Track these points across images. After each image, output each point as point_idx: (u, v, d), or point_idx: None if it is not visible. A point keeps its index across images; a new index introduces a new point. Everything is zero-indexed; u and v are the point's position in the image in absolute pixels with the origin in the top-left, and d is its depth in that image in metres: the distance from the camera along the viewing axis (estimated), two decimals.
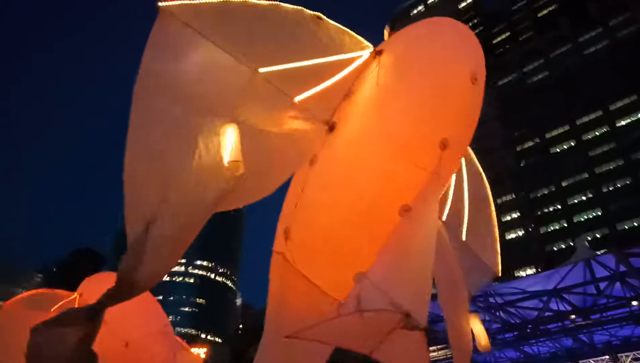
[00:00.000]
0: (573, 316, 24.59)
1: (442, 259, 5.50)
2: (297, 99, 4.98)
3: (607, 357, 25.51)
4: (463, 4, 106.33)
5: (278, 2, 4.96)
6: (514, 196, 76.03)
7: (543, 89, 78.43)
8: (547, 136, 76.88)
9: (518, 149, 79.62)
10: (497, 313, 26.74)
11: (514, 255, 67.86)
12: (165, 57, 4.73)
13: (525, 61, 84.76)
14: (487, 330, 28.84)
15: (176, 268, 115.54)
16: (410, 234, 4.50)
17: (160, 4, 4.59)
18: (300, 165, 5.54)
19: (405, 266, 4.28)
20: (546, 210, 72.76)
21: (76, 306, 7.39)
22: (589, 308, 24.26)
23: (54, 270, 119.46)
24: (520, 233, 73.90)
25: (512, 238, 73.56)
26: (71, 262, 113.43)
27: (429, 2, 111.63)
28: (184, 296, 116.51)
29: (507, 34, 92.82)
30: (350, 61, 5.18)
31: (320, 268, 5.65)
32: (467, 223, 6.24)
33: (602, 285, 23.35)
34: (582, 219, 68.47)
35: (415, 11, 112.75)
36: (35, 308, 7.13)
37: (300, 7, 5.01)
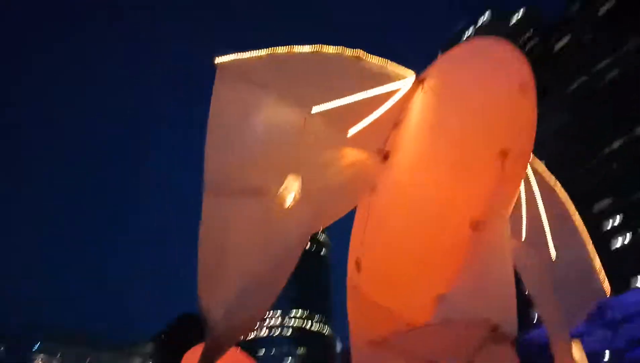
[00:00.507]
0: None
1: (530, 281, 5.52)
2: (350, 133, 5.26)
3: None
4: (514, 19, 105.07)
5: (319, 47, 5.30)
6: (611, 200, 71.27)
7: (617, 87, 74.56)
8: (638, 131, 72.23)
9: (606, 151, 75.28)
10: (619, 330, 25.06)
11: (625, 263, 62.77)
12: (229, 110, 5.21)
13: (592, 63, 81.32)
14: (610, 349, 26.22)
15: (272, 322, 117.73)
16: (486, 251, 4.52)
17: (217, 60, 5.13)
18: (361, 196, 5.67)
19: (488, 284, 4.30)
20: None
21: None
22: None
23: (162, 337, 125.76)
24: (628, 237, 68.57)
25: (619, 245, 68.36)
26: (177, 328, 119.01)
27: (479, 24, 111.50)
28: (284, 349, 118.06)
29: (568, 38, 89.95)
30: (394, 92, 5.30)
31: (396, 291, 5.62)
32: (553, 240, 6.01)
33: None
34: None
35: (466, 36, 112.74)
36: None
37: (339, 49, 5.36)
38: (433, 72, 5.35)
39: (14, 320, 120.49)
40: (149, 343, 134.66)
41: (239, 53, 5.29)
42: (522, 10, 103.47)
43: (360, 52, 5.34)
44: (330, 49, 5.33)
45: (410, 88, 5.31)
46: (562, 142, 76.46)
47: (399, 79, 5.34)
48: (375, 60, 5.38)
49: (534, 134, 4.99)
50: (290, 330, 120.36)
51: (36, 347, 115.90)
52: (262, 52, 5.28)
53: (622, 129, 72.48)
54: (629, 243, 67.54)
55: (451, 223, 4.94)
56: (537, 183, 6.02)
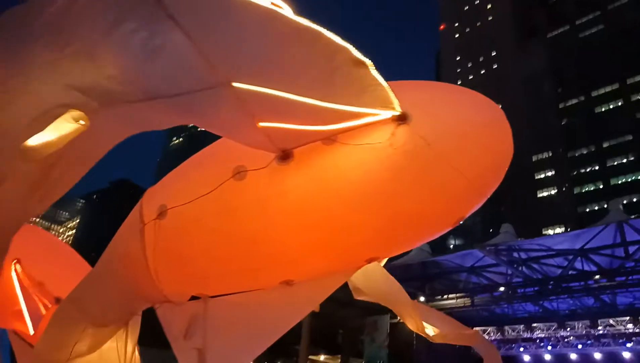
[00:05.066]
0: (597, 277, 24.84)
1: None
2: (262, 124, 3.43)
3: (628, 317, 25.93)
4: None
5: (319, 29, 2.92)
6: (550, 154, 74.26)
7: (596, 45, 73.96)
8: (594, 94, 73.29)
9: (561, 106, 76.58)
10: (520, 268, 27.17)
11: (544, 213, 67.20)
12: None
13: (580, 13, 79.39)
14: (509, 283, 29.55)
15: None
16: (271, 307, 4.11)
17: None
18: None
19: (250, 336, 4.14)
20: (583, 171, 70.92)
21: (17, 274, 6.15)
22: (615, 270, 24.38)
23: (95, 197, 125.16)
24: (554, 191, 72.75)
25: (544, 196, 72.65)
26: (111, 190, 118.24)
27: None
28: None
29: None
30: (356, 116, 3.45)
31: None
32: None
33: (631, 249, 23.39)
34: (620, 183, 66.60)
35: None
36: None
37: (348, 46, 3.04)
38: (421, 115, 3.47)
39: None
40: (80, 201, 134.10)
41: None
42: None
43: (369, 62, 3.07)
44: (331, 37, 2.91)
45: (382, 121, 3.44)
46: (529, 86, 76.86)
47: (378, 107, 3.36)
48: (376, 78, 3.13)
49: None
50: None
51: None
52: None
53: (583, 89, 73.48)
54: (550, 196, 71.94)
55: (271, 274, 4.14)
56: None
